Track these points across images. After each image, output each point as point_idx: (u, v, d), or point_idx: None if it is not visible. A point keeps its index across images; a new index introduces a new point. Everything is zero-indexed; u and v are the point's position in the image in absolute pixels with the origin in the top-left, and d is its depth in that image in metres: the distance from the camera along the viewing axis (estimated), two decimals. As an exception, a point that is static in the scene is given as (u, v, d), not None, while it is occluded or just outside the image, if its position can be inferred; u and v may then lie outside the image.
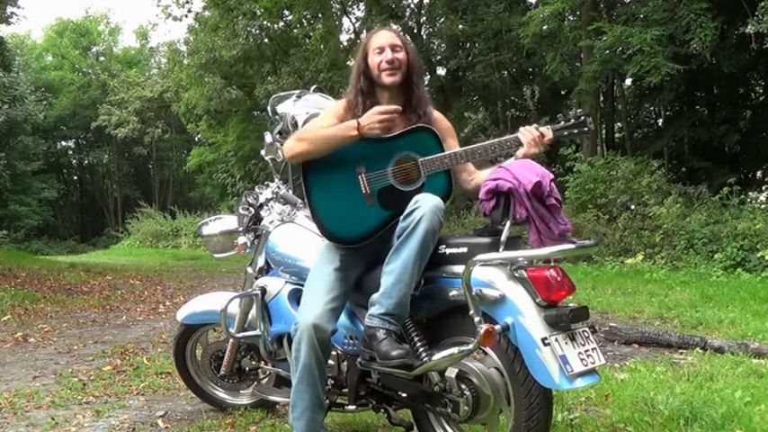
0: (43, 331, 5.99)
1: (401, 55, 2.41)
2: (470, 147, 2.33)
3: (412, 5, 18.09)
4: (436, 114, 2.54)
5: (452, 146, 2.43)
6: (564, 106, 17.04)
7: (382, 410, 2.55)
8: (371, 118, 2.30)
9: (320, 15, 18.26)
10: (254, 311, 2.91)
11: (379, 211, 2.35)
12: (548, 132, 2.32)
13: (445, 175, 2.34)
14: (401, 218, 2.24)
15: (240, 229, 3.15)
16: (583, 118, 2.32)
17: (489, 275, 2.14)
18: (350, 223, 2.37)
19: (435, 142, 2.36)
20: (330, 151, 2.35)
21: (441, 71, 18.60)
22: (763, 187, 13.50)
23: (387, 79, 2.40)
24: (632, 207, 10.45)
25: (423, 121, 2.43)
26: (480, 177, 2.43)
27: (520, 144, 2.32)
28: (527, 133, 2.32)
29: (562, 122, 2.34)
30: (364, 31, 18.22)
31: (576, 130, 2.33)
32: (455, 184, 2.39)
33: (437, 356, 2.21)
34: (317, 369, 2.33)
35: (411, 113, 2.42)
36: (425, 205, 2.19)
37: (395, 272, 2.20)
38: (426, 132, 2.38)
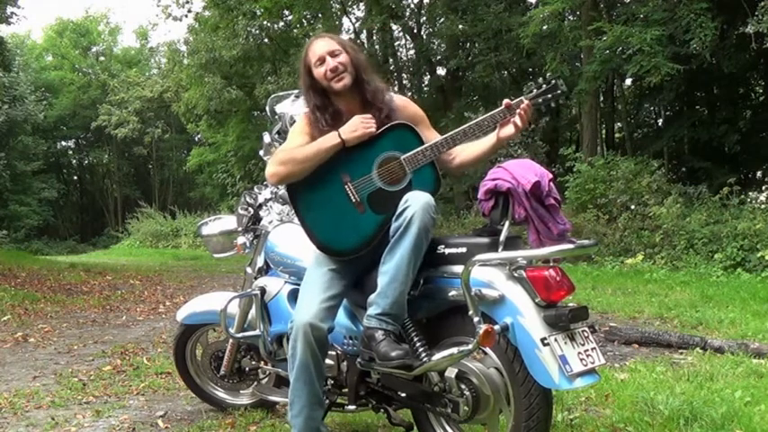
0: (43, 331, 5.99)
1: (343, 58, 2.39)
2: (449, 134, 2.31)
3: (412, 5, 18.10)
4: (399, 101, 2.51)
5: (426, 132, 2.42)
6: (564, 106, 17.06)
7: (382, 410, 2.55)
8: (355, 125, 2.31)
9: (320, 15, 18.26)
10: (253, 311, 2.91)
11: (372, 216, 2.34)
12: (525, 102, 2.26)
13: (431, 167, 2.33)
14: (393, 218, 2.24)
15: (239, 229, 3.15)
16: (554, 82, 2.28)
17: (488, 275, 2.14)
18: (346, 235, 2.36)
19: (413, 136, 2.35)
20: (314, 167, 2.34)
21: (441, 71, 18.61)
22: (763, 187, 13.47)
23: (337, 85, 2.38)
24: (632, 207, 10.45)
25: (385, 111, 2.41)
26: (463, 155, 2.43)
27: (497, 122, 2.28)
28: (522, 113, 2.24)
29: (534, 90, 2.30)
30: (364, 31, 18.27)
31: (549, 95, 2.28)
32: (439, 168, 2.37)
33: (437, 357, 2.21)
34: (314, 366, 2.33)
35: (371, 108, 2.40)
36: (416, 203, 2.19)
37: (390, 272, 2.20)
38: (403, 129, 2.36)
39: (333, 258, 2.40)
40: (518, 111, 2.25)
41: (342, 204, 2.34)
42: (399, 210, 2.22)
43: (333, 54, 2.39)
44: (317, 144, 2.34)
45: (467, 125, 2.31)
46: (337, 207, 2.35)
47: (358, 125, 2.32)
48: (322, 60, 2.39)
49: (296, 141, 2.42)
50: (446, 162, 2.45)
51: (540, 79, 2.32)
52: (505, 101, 2.28)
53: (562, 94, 2.30)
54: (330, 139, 2.32)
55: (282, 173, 2.36)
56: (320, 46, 2.42)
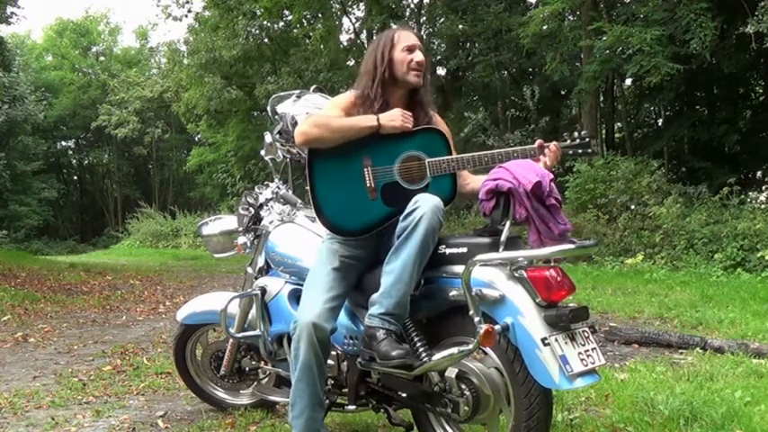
0: (43, 331, 5.99)
1: (424, 58, 2.44)
2: (478, 154, 2.35)
3: (412, 5, 18.11)
4: (437, 118, 2.56)
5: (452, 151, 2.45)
6: (564, 106, 17.10)
7: (382, 410, 2.55)
8: (395, 116, 2.33)
9: (320, 15, 18.27)
10: (254, 311, 2.91)
11: (381, 206, 2.36)
12: (559, 148, 2.38)
13: (451, 177, 2.36)
14: (401, 217, 2.24)
15: (240, 229, 3.15)
16: (588, 139, 2.38)
17: (489, 275, 2.14)
18: (350, 214, 2.38)
19: (444, 144, 2.38)
20: (342, 141, 2.36)
21: (441, 71, 18.61)
22: (763, 187, 13.48)
23: (413, 79, 2.42)
24: (632, 207, 10.45)
25: (426, 121, 2.45)
26: (476, 183, 2.46)
27: (527, 157, 2.34)
28: (550, 154, 2.34)
29: (568, 141, 2.41)
30: (364, 31, 18.26)
31: (580, 150, 2.39)
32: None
33: (437, 356, 2.21)
34: (317, 367, 2.33)
35: (415, 113, 2.43)
36: (425, 205, 2.20)
37: (394, 272, 2.20)
38: (436, 134, 2.40)
39: (336, 257, 2.40)
40: (547, 151, 2.33)
41: (355, 184, 2.36)
42: (408, 210, 2.23)
43: (421, 50, 2.43)
44: (353, 120, 2.37)
45: (496, 151, 2.36)
46: (350, 185, 2.37)
47: (398, 117, 2.34)
48: (411, 49, 2.42)
49: (333, 112, 2.44)
50: (459, 186, 2.47)
51: (576, 133, 2.41)
52: (539, 141, 2.37)
53: (593, 153, 2.43)
54: (367, 120, 2.35)
55: (313, 134, 2.36)
56: (412, 37, 2.45)
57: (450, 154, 2.37)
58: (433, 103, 2.55)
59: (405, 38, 2.44)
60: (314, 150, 2.40)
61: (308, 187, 2.42)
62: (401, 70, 2.42)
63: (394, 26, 2.73)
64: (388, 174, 2.36)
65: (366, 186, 2.36)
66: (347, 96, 2.50)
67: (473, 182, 2.48)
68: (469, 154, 2.36)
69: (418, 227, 2.18)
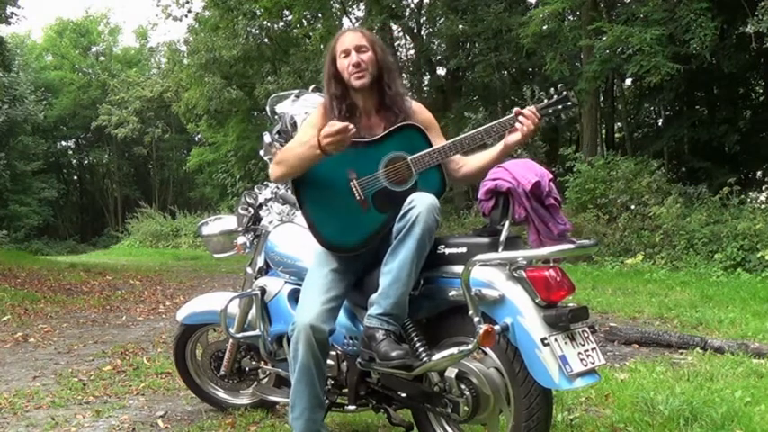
0: (43, 331, 5.99)
1: (366, 56, 2.37)
2: (458, 138, 2.31)
3: (412, 5, 18.09)
4: (415, 106, 2.51)
5: (436, 139, 2.42)
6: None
7: (382, 410, 2.55)
8: (332, 139, 2.20)
9: (320, 15, 18.28)
10: (253, 311, 2.91)
11: (375, 215, 2.34)
12: (535, 112, 2.28)
13: (437, 170, 2.34)
14: (397, 219, 2.23)
15: (240, 229, 3.15)
16: (564, 93, 2.28)
17: (488, 275, 2.14)
18: (348, 232, 2.36)
19: (422, 139, 2.35)
20: (307, 169, 2.32)
21: (441, 71, 18.62)
22: (763, 187, 13.47)
23: (355, 82, 2.37)
24: (632, 207, 10.45)
25: (401, 116, 2.41)
26: (469, 164, 2.43)
27: (505, 129, 2.30)
28: (526, 120, 2.25)
29: (545, 101, 2.31)
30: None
31: (560, 106, 2.29)
32: (446, 175, 2.38)
33: (437, 356, 2.21)
34: (315, 368, 2.33)
35: (388, 111, 2.41)
36: (420, 205, 2.19)
37: (392, 272, 2.20)
38: (412, 130, 2.36)
39: (334, 258, 2.39)
40: (522, 118, 2.26)
41: (346, 201, 2.34)
42: (404, 210, 2.21)
43: (359, 49, 2.38)
44: (303, 149, 2.28)
45: (475, 131, 2.31)
46: (341, 203, 2.34)
47: (334, 140, 2.19)
48: (347, 53, 2.38)
49: (307, 134, 2.39)
50: (452, 171, 2.45)
51: (552, 90, 2.31)
52: (515, 109, 2.29)
53: (573, 106, 2.30)
54: (311, 149, 2.24)
55: (277, 173, 2.38)
56: (349, 39, 2.41)
57: (430, 144, 2.33)
58: (406, 94, 2.49)
59: (342, 43, 2.40)
60: (297, 178, 2.37)
61: (298, 212, 2.40)
62: (345, 77, 2.39)
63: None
64: (374, 182, 2.33)
65: (356, 200, 2.34)
66: (318, 111, 2.47)
67: (466, 165, 2.44)
68: (450, 141, 2.32)
69: (414, 227, 2.17)
